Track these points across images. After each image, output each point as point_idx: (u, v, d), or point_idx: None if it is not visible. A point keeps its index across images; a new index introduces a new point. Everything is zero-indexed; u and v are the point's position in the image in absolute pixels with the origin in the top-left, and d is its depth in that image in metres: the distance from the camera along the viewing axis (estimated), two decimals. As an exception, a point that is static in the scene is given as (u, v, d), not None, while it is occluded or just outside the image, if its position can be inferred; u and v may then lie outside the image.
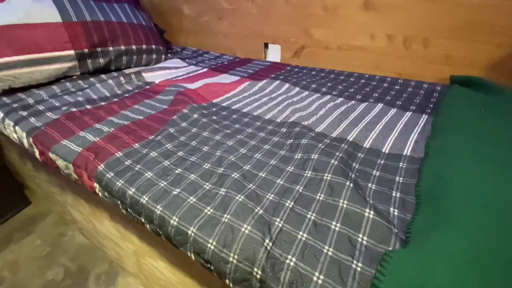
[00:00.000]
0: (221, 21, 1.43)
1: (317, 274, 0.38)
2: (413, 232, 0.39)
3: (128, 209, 0.56)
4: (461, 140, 0.60)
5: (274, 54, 1.33)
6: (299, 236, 0.43)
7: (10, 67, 0.92)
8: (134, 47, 1.14)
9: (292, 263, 0.39)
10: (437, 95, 0.91)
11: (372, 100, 0.89)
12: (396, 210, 0.47)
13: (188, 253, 0.47)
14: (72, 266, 1.03)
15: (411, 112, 0.81)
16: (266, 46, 1.34)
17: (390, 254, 0.35)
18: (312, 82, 1.04)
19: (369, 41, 1.11)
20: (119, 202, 0.58)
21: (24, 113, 0.85)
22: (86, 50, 1.02)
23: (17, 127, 0.81)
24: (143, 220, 0.54)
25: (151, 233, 0.70)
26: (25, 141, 0.79)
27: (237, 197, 0.50)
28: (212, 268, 0.45)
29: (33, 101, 0.92)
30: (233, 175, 0.56)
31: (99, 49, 1.05)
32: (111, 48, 1.08)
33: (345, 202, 0.47)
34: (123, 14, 1.16)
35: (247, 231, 0.44)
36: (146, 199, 0.53)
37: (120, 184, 0.57)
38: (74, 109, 0.85)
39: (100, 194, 0.63)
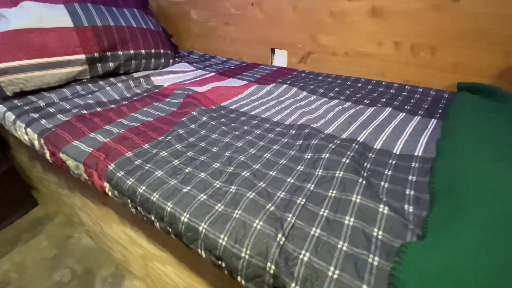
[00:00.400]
0: (228, 26, 1.45)
1: (332, 269, 0.37)
2: (429, 226, 0.38)
3: (138, 208, 0.56)
4: (473, 140, 0.59)
5: (280, 59, 1.34)
6: (312, 232, 0.42)
7: (22, 70, 0.94)
8: (143, 51, 1.16)
9: (306, 258, 0.38)
10: (445, 101, 0.91)
11: (380, 105, 0.89)
12: (411, 207, 0.46)
13: (199, 250, 0.47)
14: (78, 268, 1.03)
15: (419, 117, 0.81)
16: (272, 51, 1.35)
17: (407, 245, 0.34)
18: (319, 87, 1.04)
19: (376, 48, 1.11)
20: (129, 200, 0.58)
21: (35, 115, 0.86)
22: (96, 54, 1.04)
23: (28, 129, 0.82)
24: (153, 218, 0.54)
25: (160, 238, 0.71)
26: (36, 143, 0.80)
27: (247, 194, 0.50)
28: (224, 265, 0.44)
29: (44, 103, 0.94)
30: (243, 174, 0.56)
31: (109, 53, 1.07)
32: (120, 52, 1.10)
33: (359, 197, 0.46)
34: (133, 19, 1.18)
35: (259, 227, 0.43)
36: (157, 196, 0.52)
37: (130, 183, 0.57)
38: (84, 111, 0.86)
39: (110, 193, 0.63)
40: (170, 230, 0.51)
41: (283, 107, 0.90)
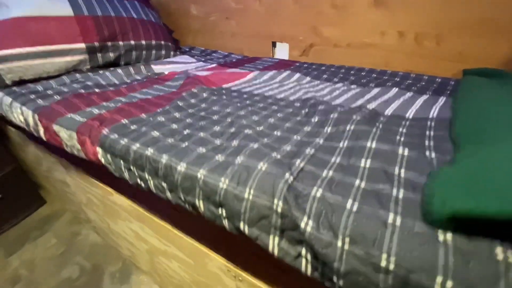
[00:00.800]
0: (228, 21, 1.45)
1: (350, 202, 0.32)
2: (459, 157, 0.34)
3: (131, 168, 0.51)
4: (489, 100, 0.55)
5: (282, 53, 1.33)
6: (324, 175, 0.38)
7: (21, 58, 0.92)
8: (143, 42, 1.15)
9: (318, 195, 0.33)
10: (451, 87, 0.88)
11: (385, 87, 0.86)
12: (433, 153, 0.41)
13: (196, 202, 0.42)
14: (86, 264, 1.03)
15: (428, 96, 0.77)
16: (274, 45, 1.34)
17: (440, 168, 0.30)
18: (323, 74, 1.02)
19: (379, 38, 1.10)
20: (121, 162, 0.53)
21: (32, 96, 0.83)
22: (96, 44, 1.02)
23: (23, 107, 0.79)
24: (147, 176, 0.49)
25: (166, 232, 0.68)
26: (30, 120, 0.76)
27: (251, 145, 0.45)
28: (224, 213, 0.39)
29: (42, 88, 0.92)
30: (245, 131, 0.52)
31: (109, 43, 1.05)
32: (121, 43, 1.08)
33: (374, 142, 0.42)
34: (133, 10, 1.19)
35: (264, 168, 0.38)
36: (151, 151, 0.48)
37: (124, 143, 0.53)
38: (82, 91, 0.83)
39: (102, 160, 0.58)
40: (165, 185, 0.46)
41: (286, 89, 0.87)
